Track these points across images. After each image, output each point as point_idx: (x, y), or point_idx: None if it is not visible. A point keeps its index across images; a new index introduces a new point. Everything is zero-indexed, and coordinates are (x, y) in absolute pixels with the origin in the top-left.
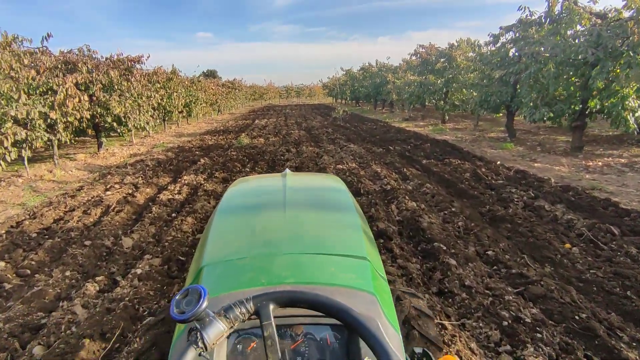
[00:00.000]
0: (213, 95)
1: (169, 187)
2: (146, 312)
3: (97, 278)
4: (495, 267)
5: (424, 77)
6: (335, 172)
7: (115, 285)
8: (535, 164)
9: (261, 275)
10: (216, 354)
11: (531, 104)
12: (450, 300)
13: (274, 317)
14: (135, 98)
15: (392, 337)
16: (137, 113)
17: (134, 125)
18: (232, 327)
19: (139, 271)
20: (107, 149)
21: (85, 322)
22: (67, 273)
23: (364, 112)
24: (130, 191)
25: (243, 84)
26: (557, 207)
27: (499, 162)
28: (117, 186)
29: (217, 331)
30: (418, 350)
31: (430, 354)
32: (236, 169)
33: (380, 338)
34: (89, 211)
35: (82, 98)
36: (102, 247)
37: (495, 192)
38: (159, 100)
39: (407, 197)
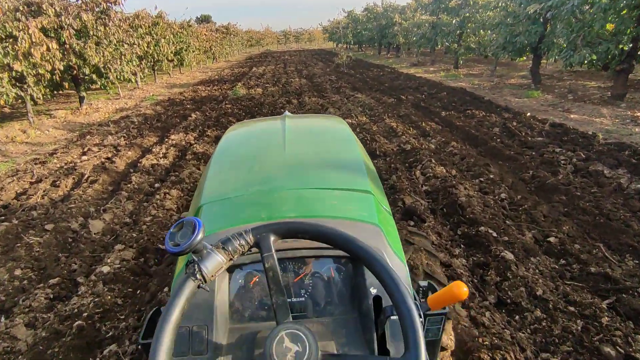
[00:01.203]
0: (206, 42)
1: (153, 149)
2: (110, 334)
3: (52, 280)
4: (565, 262)
5: (436, 17)
6: None
7: (75, 288)
8: (572, 116)
9: (261, 210)
10: (217, 289)
11: (565, 45)
12: (517, 318)
13: (276, 250)
14: (116, 46)
15: (398, 267)
16: (119, 63)
17: (117, 77)
18: (231, 259)
19: (105, 269)
20: (90, 104)
21: (27, 354)
22: (17, 272)
23: (367, 58)
24: (109, 155)
25: (239, 29)
26: (619, 173)
27: (529, 114)
28: (95, 149)
29: (215, 263)
30: (423, 284)
31: (436, 286)
32: (231, 125)
33: (389, 269)
34: (58, 182)
35: (50, 46)
36: (66, 232)
37: (536, 152)
38: (145, 48)
39: (432, 160)
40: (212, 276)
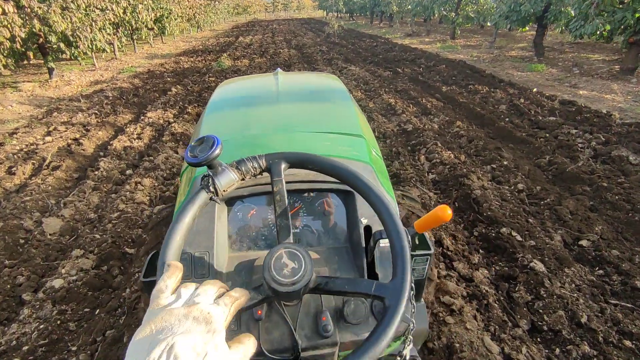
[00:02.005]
0: (190, 9)
1: (128, 129)
2: None
3: None
4: (603, 272)
5: None
6: None
7: (19, 308)
8: (580, 92)
9: (257, 150)
10: (217, 220)
11: (574, 14)
12: (559, 352)
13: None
14: (86, 11)
15: (391, 204)
16: (90, 31)
17: (88, 46)
18: (243, 178)
19: (58, 283)
20: (62, 76)
21: None
22: None
23: (359, 27)
24: (77, 136)
25: None
26: None
27: (535, 90)
28: (61, 128)
29: (228, 179)
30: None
31: (424, 233)
32: None
33: (385, 200)
34: (14, 169)
35: (6, 9)
36: (17, 233)
37: (549, 134)
38: (121, 14)
39: (438, 143)
40: (224, 191)
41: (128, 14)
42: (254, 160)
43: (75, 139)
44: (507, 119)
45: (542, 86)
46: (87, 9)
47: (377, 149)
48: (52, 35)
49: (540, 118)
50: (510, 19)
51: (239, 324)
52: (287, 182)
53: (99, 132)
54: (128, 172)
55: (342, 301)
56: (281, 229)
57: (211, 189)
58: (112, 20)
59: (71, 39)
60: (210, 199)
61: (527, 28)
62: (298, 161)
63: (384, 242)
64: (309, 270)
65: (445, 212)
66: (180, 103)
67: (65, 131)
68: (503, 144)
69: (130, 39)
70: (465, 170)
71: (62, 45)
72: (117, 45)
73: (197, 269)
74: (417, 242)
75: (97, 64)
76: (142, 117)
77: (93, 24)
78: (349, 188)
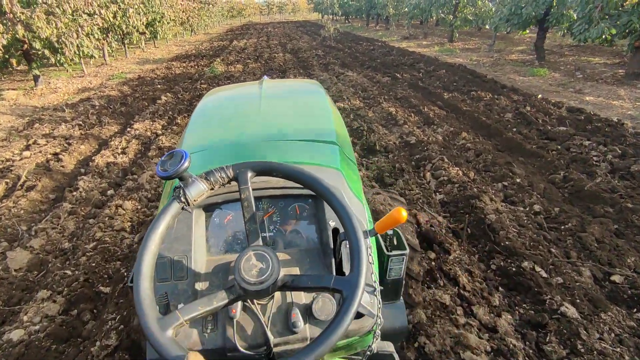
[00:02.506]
0: (183, 12)
1: (112, 142)
2: None
3: None
4: None
5: None
6: None
7: None
8: (586, 98)
9: (234, 159)
10: (195, 225)
11: (577, 17)
12: None
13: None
14: (72, 16)
15: (356, 206)
16: (76, 36)
17: (75, 52)
18: (212, 188)
19: (16, 335)
20: (49, 83)
21: None
22: None
23: (355, 30)
24: (58, 150)
25: None
26: None
27: (540, 96)
28: (42, 142)
29: (198, 190)
30: (389, 232)
31: (400, 233)
32: None
33: (343, 202)
34: None
35: None
36: None
37: (561, 146)
38: (111, 19)
39: (444, 158)
40: (195, 200)
41: (118, 19)
42: (222, 170)
43: (55, 154)
44: (514, 129)
45: (546, 92)
46: (74, 14)
47: (351, 153)
48: (37, 42)
49: (550, 128)
50: (511, 22)
51: (215, 323)
52: (260, 189)
53: (82, 146)
54: (110, 192)
55: (311, 299)
56: (250, 233)
57: (182, 199)
58: (101, 25)
59: (56, 45)
60: (182, 208)
61: (527, 31)
62: (263, 170)
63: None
64: (276, 269)
65: (401, 214)
66: (170, 113)
67: (46, 145)
68: (513, 158)
69: (122, 43)
70: (475, 189)
71: (46, 51)
72: (108, 51)
73: (176, 272)
74: (395, 243)
75: (87, 70)
76: (128, 129)
77: (79, 29)
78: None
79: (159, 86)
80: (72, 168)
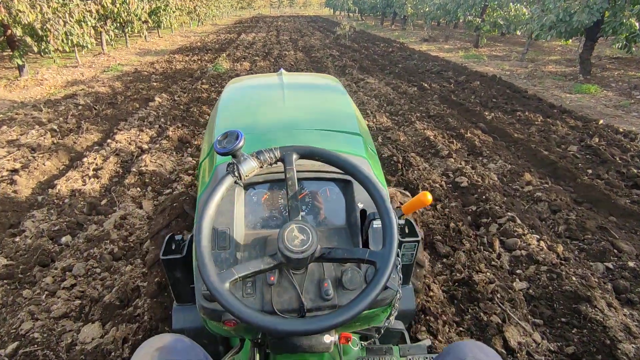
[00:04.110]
0: (190, 1)
1: (86, 158)
2: None
3: None
4: None
5: None
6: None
7: None
8: None
9: (270, 144)
10: (236, 202)
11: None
12: None
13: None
14: (63, 0)
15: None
16: (64, 24)
17: (62, 41)
18: (261, 166)
19: None
20: (36, 73)
21: None
22: None
23: (369, 28)
24: (17, 165)
25: None
26: None
27: (602, 122)
28: (2, 152)
29: (249, 167)
30: (401, 221)
31: (413, 222)
32: (203, 120)
33: (377, 186)
34: None
35: None
36: None
37: None
38: (109, 5)
39: (515, 218)
40: (246, 176)
41: (117, 5)
42: (270, 151)
43: (13, 172)
44: (589, 170)
45: (605, 115)
46: None
47: (372, 145)
48: (17, 28)
49: (635, 171)
50: (557, 30)
51: (255, 288)
52: (297, 171)
53: (47, 162)
54: (62, 240)
55: (340, 271)
56: (292, 209)
57: (236, 174)
58: (95, 12)
59: (40, 32)
60: (235, 182)
61: (569, 41)
62: (307, 153)
63: (377, 223)
64: (315, 242)
65: (426, 197)
66: (162, 120)
67: (5, 157)
68: (603, 217)
69: (122, 32)
70: (574, 278)
71: (29, 39)
72: (106, 39)
73: (219, 242)
74: (407, 231)
75: (82, 60)
76: (109, 140)
77: (67, 15)
78: (347, 177)
79: (155, 84)
80: (26, 197)
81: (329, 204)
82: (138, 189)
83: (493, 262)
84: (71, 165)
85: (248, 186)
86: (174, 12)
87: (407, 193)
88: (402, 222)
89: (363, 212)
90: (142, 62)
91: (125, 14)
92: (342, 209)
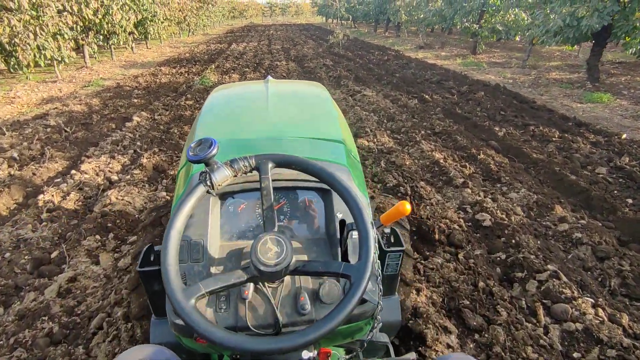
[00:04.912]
0: (179, 11)
1: (42, 195)
2: None
3: None
4: None
5: None
6: (359, 157)
7: None
8: None
9: (248, 152)
10: (211, 212)
11: None
12: None
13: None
14: (36, 12)
15: (361, 200)
16: (34, 38)
17: (34, 56)
18: (235, 175)
19: None
20: (10, 90)
21: None
22: None
23: (363, 36)
24: None
25: None
26: None
27: (624, 136)
28: None
29: (223, 175)
30: (387, 230)
31: (397, 231)
32: (183, 143)
33: (354, 196)
34: None
35: None
36: None
37: None
38: (90, 16)
39: (559, 274)
40: (219, 185)
41: (100, 17)
42: (245, 159)
43: None
44: (628, 200)
45: (625, 128)
46: (38, 10)
47: (355, 152)
48: None
49: None
50: (564, 36)
51: (228, 303)
52: (274, 180)
53: None
54: None
55: (318, 284)
56: (267, 219)
57: (208, 183)
58: (73, 23)
59: (8, 47)
60: (207, 192)
61: (574, 47)
62: (283, 162)
63: (356, 234)
64: (290, 254)
65: (405, 207)
66: (137, 144)
67: None
68: None
69: (106, 44)
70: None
71: None
72: (89, 52)
73: (193, 254)
74: (392, 241)
75: (63, 74)
76: (74, 171)
77: (38, 29)
78: (326, 186)
79: (135, 100)
80: None
81: (308, 213)
82: (98, 236)
83: (541, 341)
84: (24, 204)
85: (225, 195)
86: (162, 22)
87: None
88: (387, 230)
89: (342, 222)
90: (125, 75)
91: (109, 25)
92: (321, 219)
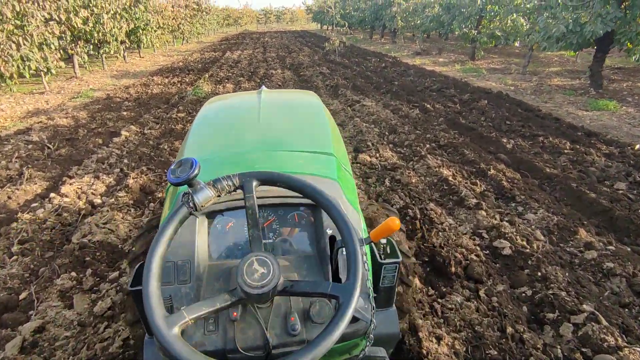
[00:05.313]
0: (173, 19)
1: (15, 223)
2: None
3: None
4: None
5: None
6: (361, 174)
7: None
8: None
9: (236, 168)
10: (198, 232)
11: None
12: None
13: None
14: (20, 21)
15: (352, 215)
16: (16, 48)
17: (15, 69)
18: (219, 195)
19: None
20: None
21: None
22: None
23: (358, 42)
24: None
25: (214, 6)
26: None
27: (637, 147)
28: None
29: (206, 196)
30: (383, 240)
31: (394, 242)
32: (173, 160)
33: (342, 213)
34: None
35: None
36: None
37: None
38: (80, 25)
39: (598, 316)
40: (202, 206)
41: (90, 25)
42: (229, 179)
43: None
44: None
45: (636, 138)
46: (22, 19)
47: (348, 165)
48: None
49: None
50: (567, 42)
51: (217, 325)
52: (261, 197)
53: None
54: None
55: (308, 303)
56: (253, 239)
57: (191, 204)
58: (60, 32)
59: None
60: (190, 213)
61: (575, 53)
62: (267, 179)
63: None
64: (277, 274)
65: (394, 222)
66: (124, 162)
67: None
68: None
69: (97, 53)
70: None
71: None
72: (78, 62)
73: (180, 276)
74: (388, 252)
75: (51, 85)
76: (53, 194)
77: (21, 39)
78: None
79: (125, 113)
80: None
81: (297, 230)
82: (73, 273)
83: None
84: None
85: (213, 214)
86: (155, 31)
87: (394, 210)
88: (384, 240)
89: (332, 238)
90: (116, 86)
91: (100, 34)
92: (311, 236)
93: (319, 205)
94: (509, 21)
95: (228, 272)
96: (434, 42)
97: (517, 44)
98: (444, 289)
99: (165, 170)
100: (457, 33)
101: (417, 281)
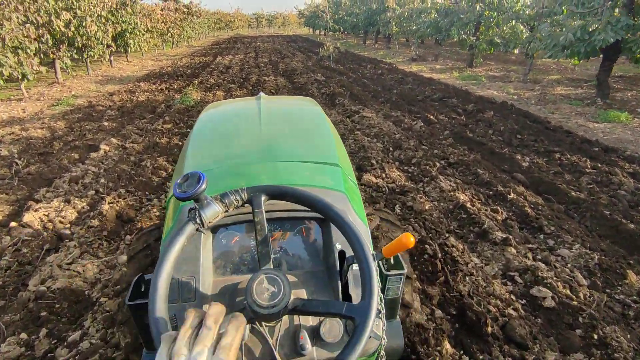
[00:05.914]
0: (162, 22)
1: None
2: None
3: None
4: None
5: (452, 1)
6: (367, 198)
7: None
8: None
9: (241, 180)
10: (203, 247)
11: None
12: None
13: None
14: None
15: (360, 228)
16: None
17: None
18: (226, 210)
19: None
20: None
21: None
22: None
23: (352, 47)
24: None
25: (204, 9)
26: None
27: None
28: None
29: (213, 212)
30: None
31: (398, 253)
32: (156, 180)
33: (354, 229)
34: None
35: None
36: None
37: None
38: (61, 27)
39: None
40: (210, 222)
41: (72, 29)
42: (237, 193)
43: None
44: None
45: None
46: None
47: (353, 175)
48: None
49: None
50: (574, 50)
51: None
52: (268, 211)
53: None
54: None
55: (318, 321)
56: (262, 255)
57: (198, 220)
58: (36, 36)
59: None
60: (197, 229)
61: (577, 61)
62: (277, 193)
63: (357, 267)
64: (287, 293)
65: (409, 239)
66: (101, 182)
67: None
68: None
69: (81, 58)
70: None
71: None
72: (60, 66)
73: (184, 293)
74: (392, 263)
75: (31, 91)
76: (14, 223)
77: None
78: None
79: (106, 123)
80: None
81: (305, 245)
82: (24, 334)
83: None
84: None
85: (216, 228)
86: (143, 34)
87: (397, 223)
88: None
89: (342, 253)
90: (100, 92)
91: (84, 38)
92: (320, 250)
93: (330, 221)
94: (505, 28)
95: (234, 288)
96: (429, 48)
97: (516, 51)
98: (480, 357)
99: (146, 193)
100: (455, 39)
101: (446, 344)
